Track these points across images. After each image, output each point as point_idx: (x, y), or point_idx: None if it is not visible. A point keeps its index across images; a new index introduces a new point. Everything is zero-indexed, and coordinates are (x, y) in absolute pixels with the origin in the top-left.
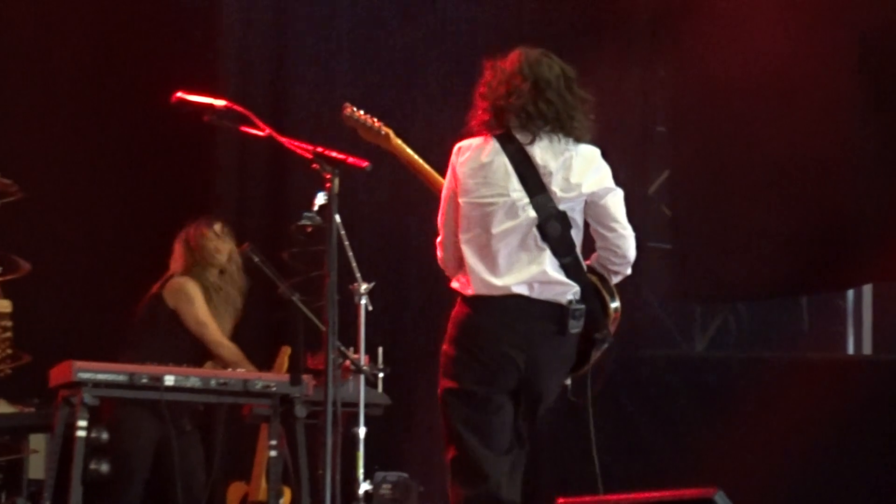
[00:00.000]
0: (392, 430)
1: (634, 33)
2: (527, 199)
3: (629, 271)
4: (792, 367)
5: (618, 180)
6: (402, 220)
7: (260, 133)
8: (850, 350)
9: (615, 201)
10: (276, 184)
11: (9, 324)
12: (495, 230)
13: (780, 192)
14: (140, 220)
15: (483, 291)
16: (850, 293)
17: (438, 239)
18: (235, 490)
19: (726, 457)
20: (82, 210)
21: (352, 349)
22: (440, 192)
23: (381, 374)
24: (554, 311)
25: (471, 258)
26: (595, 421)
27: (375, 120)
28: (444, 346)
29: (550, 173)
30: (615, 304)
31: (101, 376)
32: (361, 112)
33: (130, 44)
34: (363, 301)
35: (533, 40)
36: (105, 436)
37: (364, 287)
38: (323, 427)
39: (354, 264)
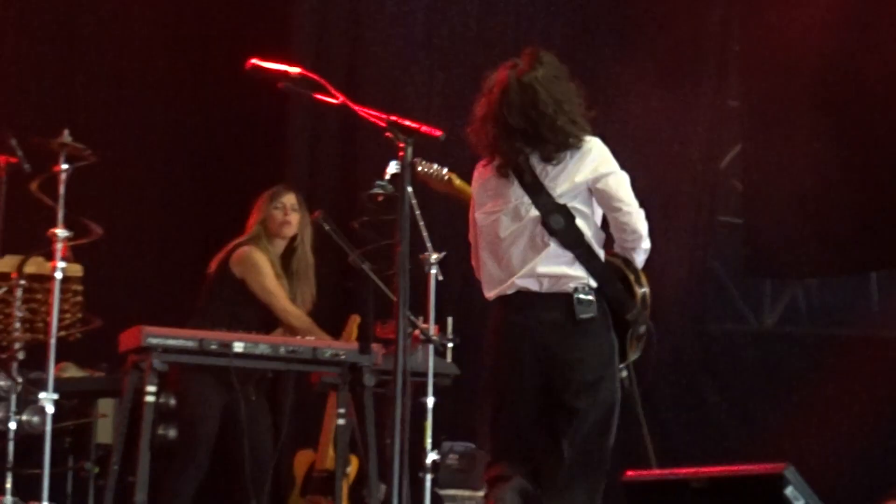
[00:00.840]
0: (460, 401)
1: (708, 6)
2: (529, 201)
3: (646, 245)
4: (862, 344)
5: (689, 154)
6: None
7: (334, 101)
8: None
9: (615, 182)
10: (349, 152)
11: (80, 288)
12: (503, 234)
13: (851, 167)
14: (212, 187)
15: (497, 292)
16: None
17: (473, 260)
18: (302, 458)
19: (795, 432)
20: (154, 175)
21: (421, 319)
22: None
23: (450, 345)
24: (560, 301)
25: (489, 263)
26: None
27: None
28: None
29: (546, 173)
30: (643, 290)
31: (170, 342)
32: (424, 163)
33: (205, 10)
34: (433, 271)
35: (605, 19)
36: (173, 401)
37: (435, 257)
38: (391, 396)
39: (425, 234)
